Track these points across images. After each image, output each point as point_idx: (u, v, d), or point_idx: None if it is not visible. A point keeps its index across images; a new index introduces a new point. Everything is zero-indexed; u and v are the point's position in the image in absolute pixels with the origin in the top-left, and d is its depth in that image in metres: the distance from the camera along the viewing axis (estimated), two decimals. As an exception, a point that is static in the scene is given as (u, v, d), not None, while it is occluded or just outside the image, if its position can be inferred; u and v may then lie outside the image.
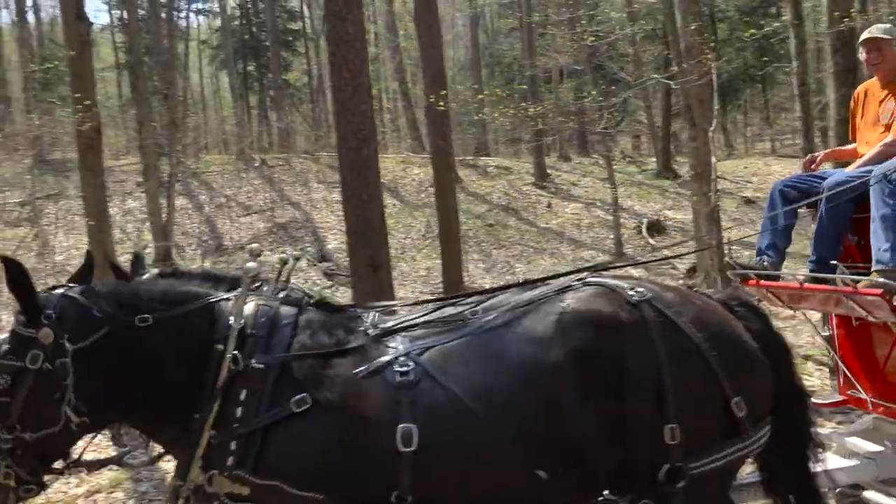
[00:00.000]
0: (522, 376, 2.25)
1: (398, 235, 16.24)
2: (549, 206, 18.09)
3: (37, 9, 29.85)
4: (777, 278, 3.79)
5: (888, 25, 4.11)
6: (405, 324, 2.51)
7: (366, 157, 6.05)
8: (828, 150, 4.45)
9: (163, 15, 23.35)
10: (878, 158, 3.63)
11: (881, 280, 3.18)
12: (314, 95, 30.79)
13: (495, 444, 2.22)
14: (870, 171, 3.46)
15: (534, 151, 19.89)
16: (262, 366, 2.29)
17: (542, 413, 2.22)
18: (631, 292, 2.38)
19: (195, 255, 16.12)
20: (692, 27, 8.24)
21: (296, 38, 30.27)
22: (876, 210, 3.36)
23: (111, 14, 30.42)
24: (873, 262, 3.36)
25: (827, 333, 4.06)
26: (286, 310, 2.47)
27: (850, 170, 3.79)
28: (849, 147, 4.26)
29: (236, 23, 29.67)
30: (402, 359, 2.32)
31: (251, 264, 2.51)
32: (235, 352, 2.30)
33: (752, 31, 9.01)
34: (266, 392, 2.26)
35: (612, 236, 15.18)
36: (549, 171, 20.26)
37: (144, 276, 3.08)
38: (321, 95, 31.72)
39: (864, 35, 3.98)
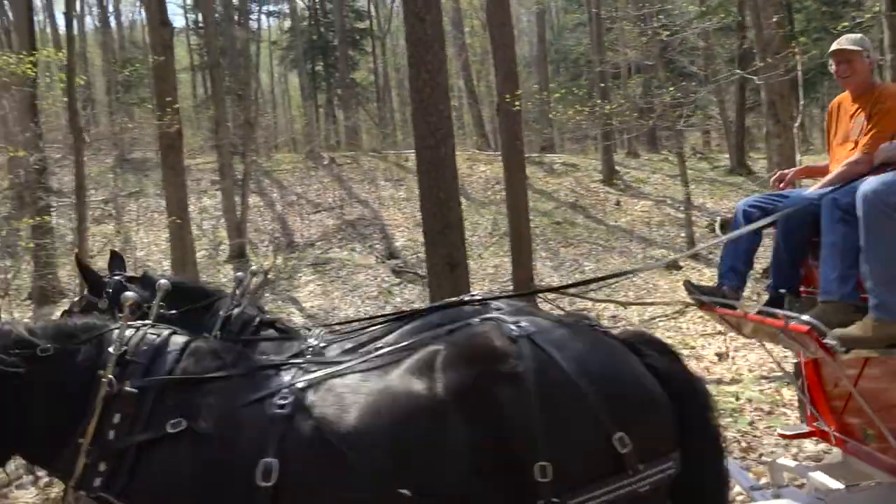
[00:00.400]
0: (399, 415, 2.23)
1: (465, 233, 16.29)
2: (618, 203, 17.84)
3: (118, 14, 31.10)
4: (732, 306, 3.57)
5: (859, 36, 3.86)
6: (310, 352, 2.58)
7: (443, 156, 6.10)
8: (800, 167, 4.02)
9: (235, 17, 24.03)
10: (841, 179, 3.35)
11: (805, 318, 3.05)
12: (380, 94, 31.14)
13: (364, 484, 2.19)
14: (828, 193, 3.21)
15: (602, 148, 19.63)
16: (135, 390, 2.34)
17: (416, 453, 2.19)
18: (513, 327, 2.34)
19: (267, 251, 16.55)
20: (773, 20, 7.98)
21: (363, 37, 30.68)
22: (824, 236, 3.14)
23: (186, 17, 31.43)
24: (820, 292, 3.19)
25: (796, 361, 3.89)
26: (177, 337, 2.53)
27: (811, 191, 3.51)
28: (823, 164, 3.92)
29: (305, 23, 30.25)
30: (284, 391, 2.32)
31: (130, 294, 2.56)
32: (111, 376, 2.35)
33: (844, 24, 8.63)
34: (140, 416, 2.31)
35: (683, 234, 14.88)
36: (617, 167, 19.98)
37: (115, 278, 3.45)
38: (387, 94, 32.07)
39: (834, 46, 3.74)
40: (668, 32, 12.39)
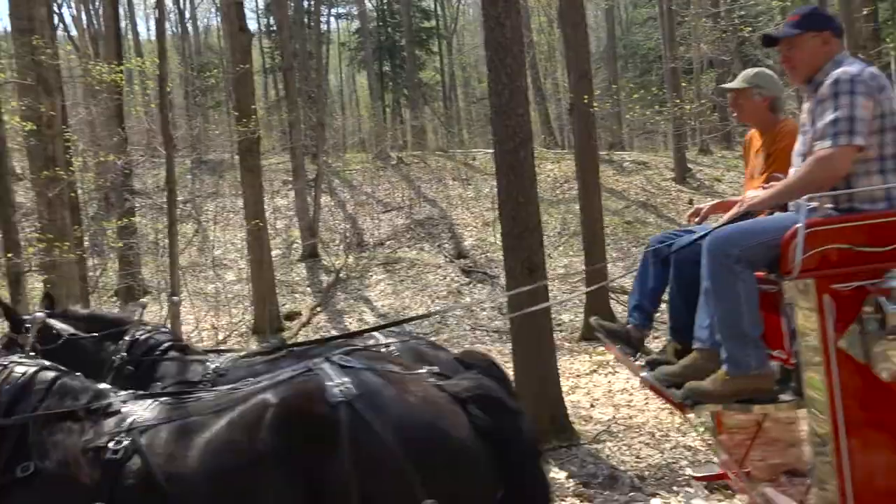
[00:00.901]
0: (222, 467, 2.25)
1: (535, 233, 16.21)
2: (691, 202, 17.41)
3: (194, 19, 32.15)
4: (634, 351, 3.47)
5: (754, 72, 3.71)
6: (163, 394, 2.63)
7: (522, 160, 6.10)
8: (714, 202, 3.76)
9: (305, 20, 24.54)
10: (730, 219, 3.14)
11: (644, 375, 3.02)
12: (446, 92, 31.27)
13: None
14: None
15: (674, 146, 19.22)
16: None
17: None
18: (336, 390, 2.29)
19: (339, 250, 16.86)
20: (864, 12, 7.67)
21: (429, 37, 30.88)
22: (702, 280, 2.95)
23: (259, 21, 32.23)
24: (694, 339, 3.05)
25: None
26: (45, 373, 2.54)
27: (701, 227, 3.30)
28: (736, 199, 3.63)
29: (373, 24, 30.64)
30: (122, 434, 2.35)
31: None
32: None
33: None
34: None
35: (761, 235, 14.43)
36: (689, 165, 19.53)
37: (37, 315, 3.55)
38: (453, 92, 32.19)
39: (724, 86, 3.58)
40: (749, 28, 12.02)
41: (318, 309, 13.24)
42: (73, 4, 25.06)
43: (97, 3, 22.60)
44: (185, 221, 18.88)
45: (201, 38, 32.76)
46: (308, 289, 14.99)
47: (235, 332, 12.48)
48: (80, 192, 13.23)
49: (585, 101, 9.13)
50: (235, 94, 11.89)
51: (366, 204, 19.45)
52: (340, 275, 15.04)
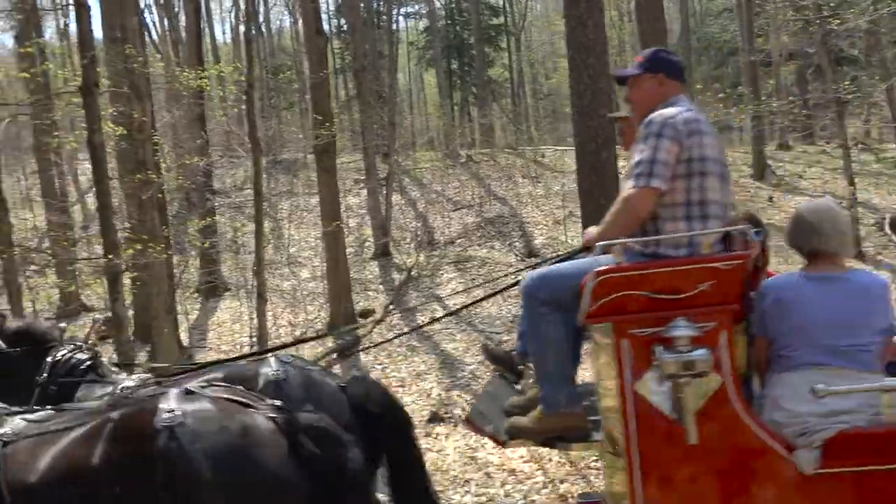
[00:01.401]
0: (66, 479, 2.45)
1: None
2: (771, 200, 16.87)
3: (267, 22, 32.96)
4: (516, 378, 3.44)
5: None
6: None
7: (604, 161, 6.05)
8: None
9: (375, 21, 24.83)
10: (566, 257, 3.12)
11: (467, 415, 3.13)
12: (515, 89, 31.13)
13: None
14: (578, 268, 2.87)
15: (753, 141, 18.64)
16: None
17: None
18: (166, 415, 2.45)
19: (410, 248, 17.02)
20: None
21: (498, 34, 30.79)
22: None
23: (330, 23, 32.79)
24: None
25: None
26: None
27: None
28: None
29: (441, 23, 30.75)
30: None
31: None
32: None
33: None
34: None
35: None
36: (768, 161, 18.90)
37: None
38: (521, 89, 32.03)
39: (611, 115, 3.50)
40: (838, 21, 11.52)
41: (392, 307, 13.41)
42: (154, 10, 26.06)
43: (176, 9, 23.42)
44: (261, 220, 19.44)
45: (274, 40, 33.56)
46: (381, 286, 15.19)
47: (311, 329, 12.77)
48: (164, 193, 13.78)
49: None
50: (312, 97, 12.15)
51: (436, 202, 19.56)
52: (412, 273, 15.19)
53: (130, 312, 10.24)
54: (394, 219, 17.94)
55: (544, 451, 6.11)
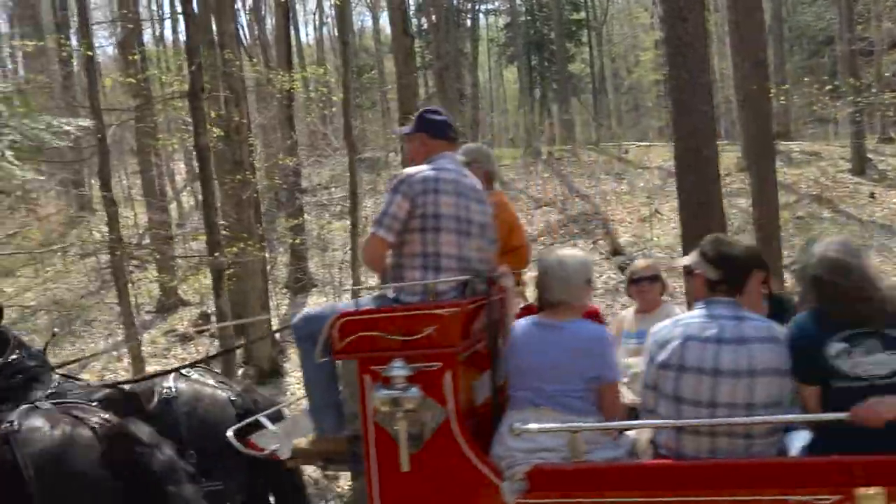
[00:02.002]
0: None
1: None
2: (873, 196, 16.05)
3: (350, 23, 33.54)
4: None
5: (476, 146, 4.08)
6: None
7: (705, 159, 5.90)
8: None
9: (456, 19, 24.92)
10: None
11: (252, 437, 3.34)
12: (595, 84, 30.65)
13: None
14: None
15: (852, 134, 17.75)
16: None
17: None
18: (5, 425, 3.05)
19: (492, 246, 17.03)
20: None
21: (579, 29, 30.38)
22: None
23: (410, 21, 33.08)
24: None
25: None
26: None
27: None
28: None
29: (522, 18, 30.58)
30: None
31: None
32: None
33: None
34: None
35: (958, 231, 13.07)
36: (868, 155, 17.96)
37: None
38: (602, 84, 31.52)
39: None
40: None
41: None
42: (242, 15, 26.94)
43: (263, 12, 24.17)
44: (345, 217, 19.87)
45: (356, 40, 34.13)
46: (463, 284, 15.27)
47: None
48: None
49: (757, 89, 8.62)
50: (399, 96, 12.30)
51: (518, 199, 19.51)
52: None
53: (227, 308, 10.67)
54: (476, 216, 17.96)
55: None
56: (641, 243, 15.69)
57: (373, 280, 15.79)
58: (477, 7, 30.05)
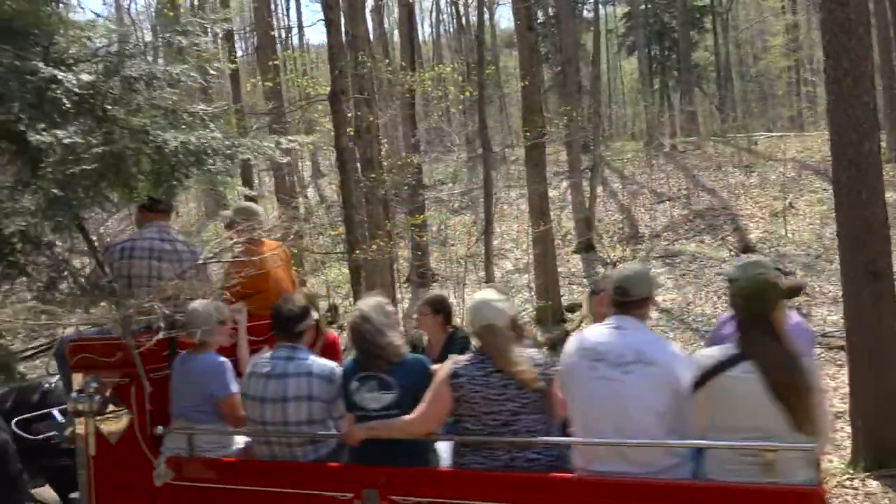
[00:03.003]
0: None
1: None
2: None
3: (467, 18, 33.72)
4: None
5: (243, 205, 4.66)
6: None
7: (867, 153, 5.53)
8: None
9: (576, 11, 24.53)
10: None
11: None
12: (720, 73, 29.34)
13: None
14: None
15: None
16: None
17: None
18: None
19: (613, 242, 16.72)
20: None
21: (703, 15, 29.16)
22: None
23: (535, 17, 32.88)
24: None
25: None
26: None
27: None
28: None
29: (642, 7, 29.71)
30: None
31: None
32: None
33: None
34: None
35: None
36: None
37: None
38: (728, 73, 30.13)
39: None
40: None
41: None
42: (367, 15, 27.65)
43: (384, 11, 24.71)
44: (463, 212, 20.06)
45: (469, 36, 34.25)
46: (584, 280, 15.04)
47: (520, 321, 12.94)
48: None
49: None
50: (523, 91, 12.27)
51: (639, 194, 19.01)
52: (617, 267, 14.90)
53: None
54: (595, 211, 17.67)
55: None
56: (774, 240, 14.91)
57: (498, 274, 15.81)
58: (597, -1, 29.44)
